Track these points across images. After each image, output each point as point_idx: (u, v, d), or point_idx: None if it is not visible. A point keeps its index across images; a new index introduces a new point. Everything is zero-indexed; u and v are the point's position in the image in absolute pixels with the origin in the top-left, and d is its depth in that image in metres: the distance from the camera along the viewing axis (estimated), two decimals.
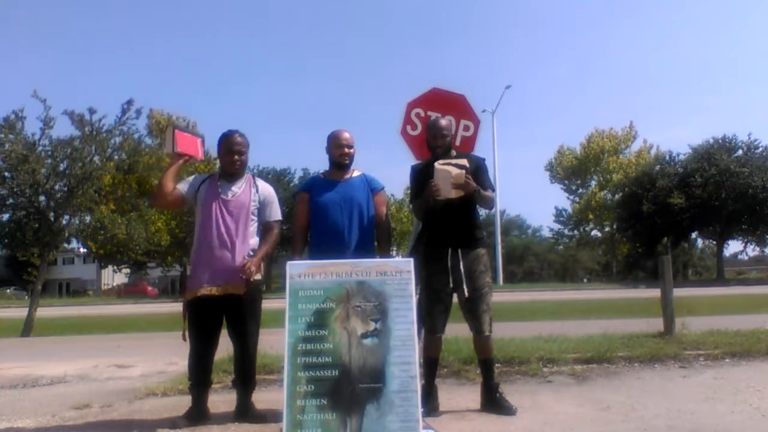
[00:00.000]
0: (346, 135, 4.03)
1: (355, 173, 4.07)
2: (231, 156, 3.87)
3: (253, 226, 3.89)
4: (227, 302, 3.72)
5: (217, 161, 4.26)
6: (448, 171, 3.68)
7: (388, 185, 4.28)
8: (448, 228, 3.84)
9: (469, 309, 3.85)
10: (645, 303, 10.13)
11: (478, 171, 3.91)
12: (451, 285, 3.82)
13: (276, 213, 3.99)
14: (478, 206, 3.99)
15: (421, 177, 3.92)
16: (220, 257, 3.72)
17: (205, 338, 3.79)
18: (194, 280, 3.76)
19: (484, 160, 4.09)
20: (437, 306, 3.83)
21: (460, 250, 3.83)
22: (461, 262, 3.81)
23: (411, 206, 4.15)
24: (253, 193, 3.91)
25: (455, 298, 3.91)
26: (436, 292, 3.82)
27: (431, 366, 3.93)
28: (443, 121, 4.05)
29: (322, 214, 3.91)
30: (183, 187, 3.92)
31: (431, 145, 3.97)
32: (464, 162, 3.75)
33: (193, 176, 4.05)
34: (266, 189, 4.01)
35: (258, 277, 3.82)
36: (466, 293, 3.80)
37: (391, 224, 4.21)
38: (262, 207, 3.93)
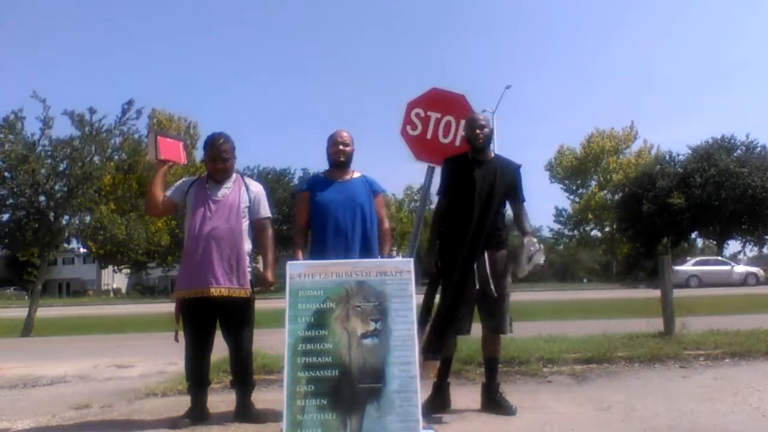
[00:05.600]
0: (344, 134, 4.04)
1: (356, 174, 4.07)
2: (214, 164, 3.87)
3: (245, 225, 3.87)
4: (220, 302, 3.72)
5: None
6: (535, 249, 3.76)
7: (388, 185, 4.30)
8: (476, 229, 3.83)
9: (490, 308, 3.86)
10: (645, 303, 10.12)
11: (507, 176, 3.93)
12: (477, 285, 3.82)
13: (266, 210, 3.99)
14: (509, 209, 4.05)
15: (456, 171, 3.95)
16: (211, 259, 3.69)
17: (199, 339, 3.79)
18: (185, 281, 3.76)
19: (519, 166, 4.06)
20: (464, 307, 3.82)
21: (486, 251, 3.84)
22: (488, 263, 3.82)
23: (438, 199, 4.13)
24: (243, 192, 3.90)
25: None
26: (463, 293, 3.81)
27: (445, 365, 3.95)
28: (478, 115, 4.14)
29: (324, 214, 3.89)
30: (173, 193, 3.92)
31: (470, 136, 3.99)
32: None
33: (181, 180, 4.04)
34: (256, 187, 4.01)
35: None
36: (495, 293, 3.81)
37: (390, 226, 4.20)
38: (253, 205, 3.92)
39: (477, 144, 3.93)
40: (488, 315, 3.88)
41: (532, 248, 3.76)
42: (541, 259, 3.77)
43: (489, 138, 3.97)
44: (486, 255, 3.83)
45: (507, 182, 3.93)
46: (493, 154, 4.04)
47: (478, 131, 3.91)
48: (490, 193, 3.85)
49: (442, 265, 3.89)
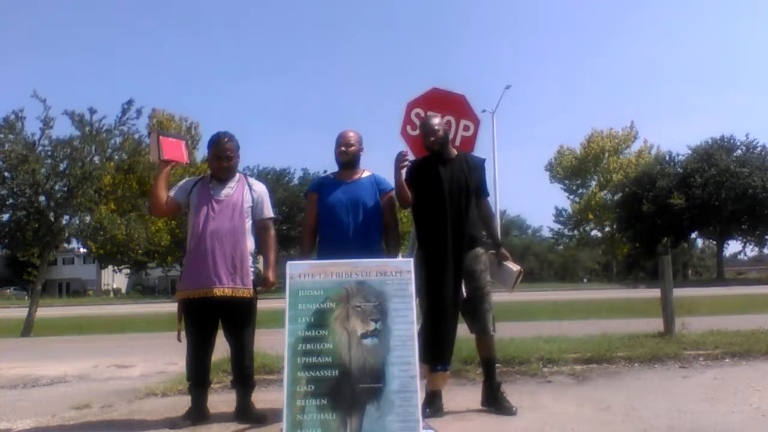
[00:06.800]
0: (349, 134, 4.00)
1: (365, 174, 4.04)
2: (219, 162, 3.85)
3: (248, 225, 3.86)
4: (223, 303, 3.71)
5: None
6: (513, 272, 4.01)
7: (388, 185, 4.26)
8: (448, 229, 3.82)
9: (471, 309, 3.85)
10: (645, 303, 10.13)
11: (474, 172, 3.93)
12: (453, 286, 3.80)
13: (269, 210, 3.99)
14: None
15: (420, 172, 3.91)
16: (214, 258, 3.69)
17: (201, 339, 3.78)
18: (188, 281, 3.75)
19: (483, 161, 4.08)
20: (450, 310, 3.80)
21: (460, 251, 3.81)
22: (461, 263, 3.80)
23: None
24: (246, 192, 3.89)
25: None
26: (439, 294, 3.79)
27: None
28: (434, 119, 4.03)
29: (328, 215, 3.89)
30: (176, 193, 3.91)
31: (425, 143, 3.94)
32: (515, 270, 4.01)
33: (184, 180, 4.03)
34: (259, 187, 4.01)
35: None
36: (465, 294, 3.80)
37: (399, 225, 4.19)
38: (256, 205, 3.92)
39: (432, 149, 3.90)
40: (471, 316, 3.87)
41: (515, 269, 3.99)
42: (521, 273, 4.01)
43: (443, 141, 3.91)
44: (460, 255, 3.80)
45: (476, 178, 3.92)
46: (456, 152, 4.02)
47: (432, 138, 3.88)
48: (463, 190, 3.83)
49: (426, 270, 3.81)
